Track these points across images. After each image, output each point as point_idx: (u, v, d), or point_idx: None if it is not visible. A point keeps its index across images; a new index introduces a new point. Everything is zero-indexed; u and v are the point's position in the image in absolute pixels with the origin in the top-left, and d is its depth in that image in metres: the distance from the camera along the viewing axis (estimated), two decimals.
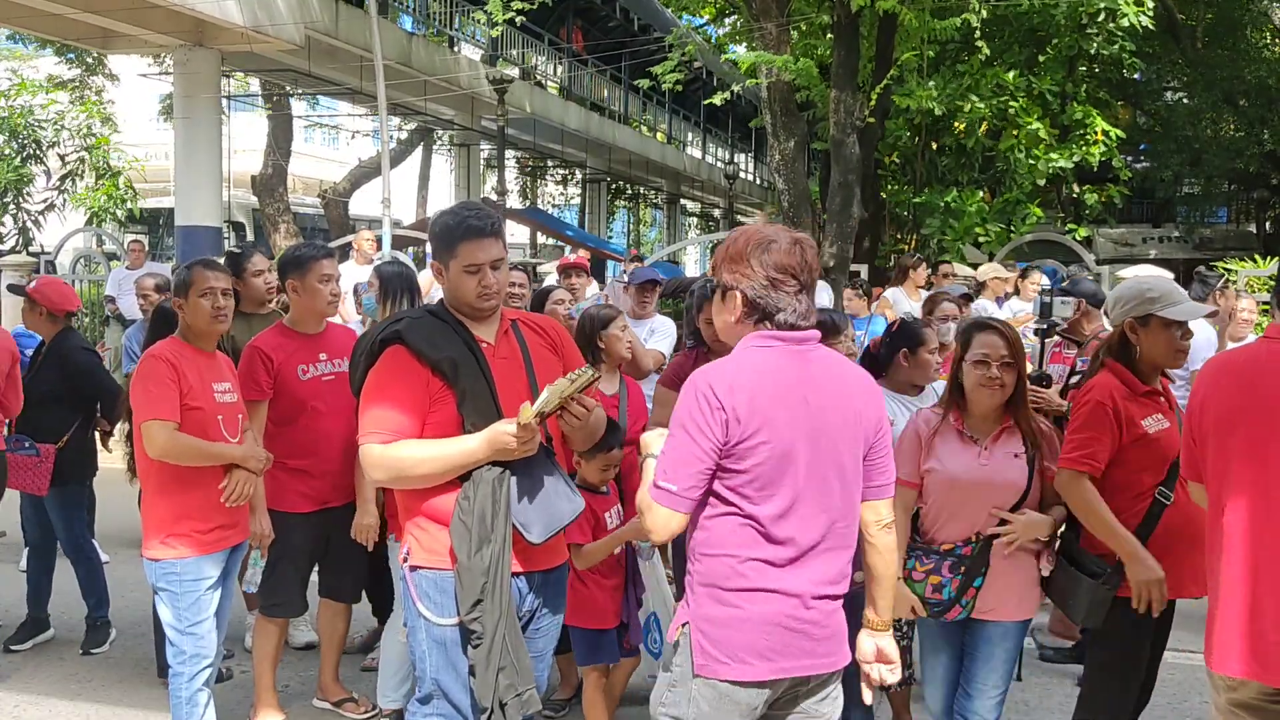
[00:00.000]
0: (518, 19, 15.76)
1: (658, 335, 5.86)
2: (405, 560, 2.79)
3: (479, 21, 18.94)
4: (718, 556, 2.28)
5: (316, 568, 4.19)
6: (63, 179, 18.65)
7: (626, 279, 6.50)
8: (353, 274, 8.48)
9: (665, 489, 2.25)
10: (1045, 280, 8.13)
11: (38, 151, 18.22)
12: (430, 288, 9.38)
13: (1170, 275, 6.19)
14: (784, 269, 2.32)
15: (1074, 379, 4.58)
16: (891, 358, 3.82)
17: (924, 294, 8.04)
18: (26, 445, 4.75)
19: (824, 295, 8.85)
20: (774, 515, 2.25)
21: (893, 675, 2.51)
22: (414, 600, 2.75)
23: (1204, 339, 5.36)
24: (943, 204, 14.11)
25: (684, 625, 2.32)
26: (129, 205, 17.96)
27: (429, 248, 12.15)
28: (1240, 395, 2.45)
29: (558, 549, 2.92)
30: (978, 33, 11.57)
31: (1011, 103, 13.21)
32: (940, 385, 3.87)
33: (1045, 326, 4.90)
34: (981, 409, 3.24)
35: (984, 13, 11.44)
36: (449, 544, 2.68)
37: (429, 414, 2.72)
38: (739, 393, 2.24)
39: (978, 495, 3.21)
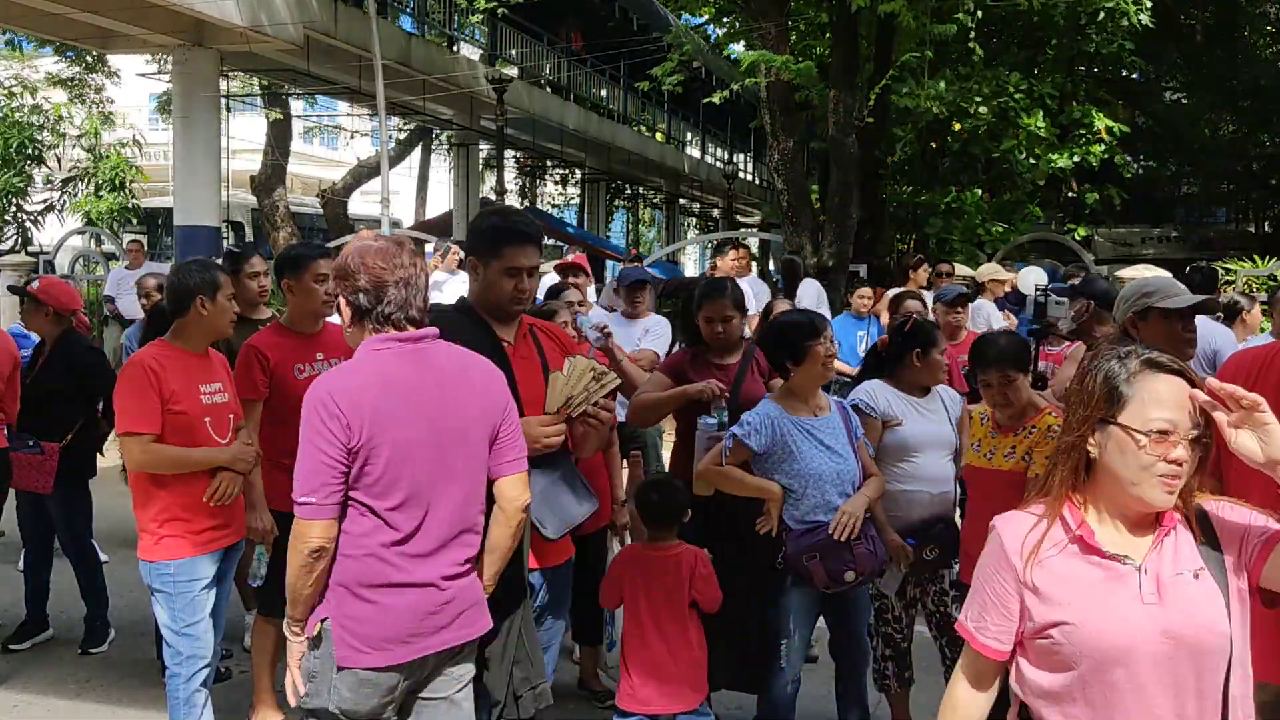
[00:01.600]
0: (501, 10, 15.69)
1: (652, 335, 5.87)
2: None
3: (477, 21, 18.94)
4: (354, 556, 2.37)
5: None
6: (65, 182, 18.69)
7: (617, 280, 6.52)
8: None
9: (306, 503, 2.35)
10: (1044, 278, 8.13)
11: (39, 153, 18.25)
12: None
13: (1169, 275, 6.22)
14: (384, 270, 2.40)
15: None
16: (902, 357, 3.82)
17: (927, 295, 8.05)
18: (30, 444, 4.74)
19: (813, 291, 8.87)
20: (403, 513, 2.36)
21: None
22: None
23: (1225, 340, 5.35)
24: (943, 205, 14.12)
25: (323, 621, 2.40)
26: (131, 216, 18.04)
27: (429, 248, 12.23)
28: (1259, 389, 2.45)
29: (566, 545, 2.97)
30: (973, 33, 11.58)
31: (1011, 103, 13.21)
32: (943, 389, 3.88)
33: (1039, 326, 4.89)
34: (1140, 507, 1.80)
35: (979, 13, 11.45)
36: None
37: None
38: (356, 398, 2.33)
39: (1168, 669, 1.74)
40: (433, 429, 2.40)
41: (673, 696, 3.47)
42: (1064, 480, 1.84)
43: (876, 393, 3.82)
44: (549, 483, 2.81)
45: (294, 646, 2.47)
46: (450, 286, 9.04)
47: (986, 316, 7.84)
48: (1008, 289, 8.45)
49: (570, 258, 7.64)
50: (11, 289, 5.37)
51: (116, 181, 18.07)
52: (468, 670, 2.55)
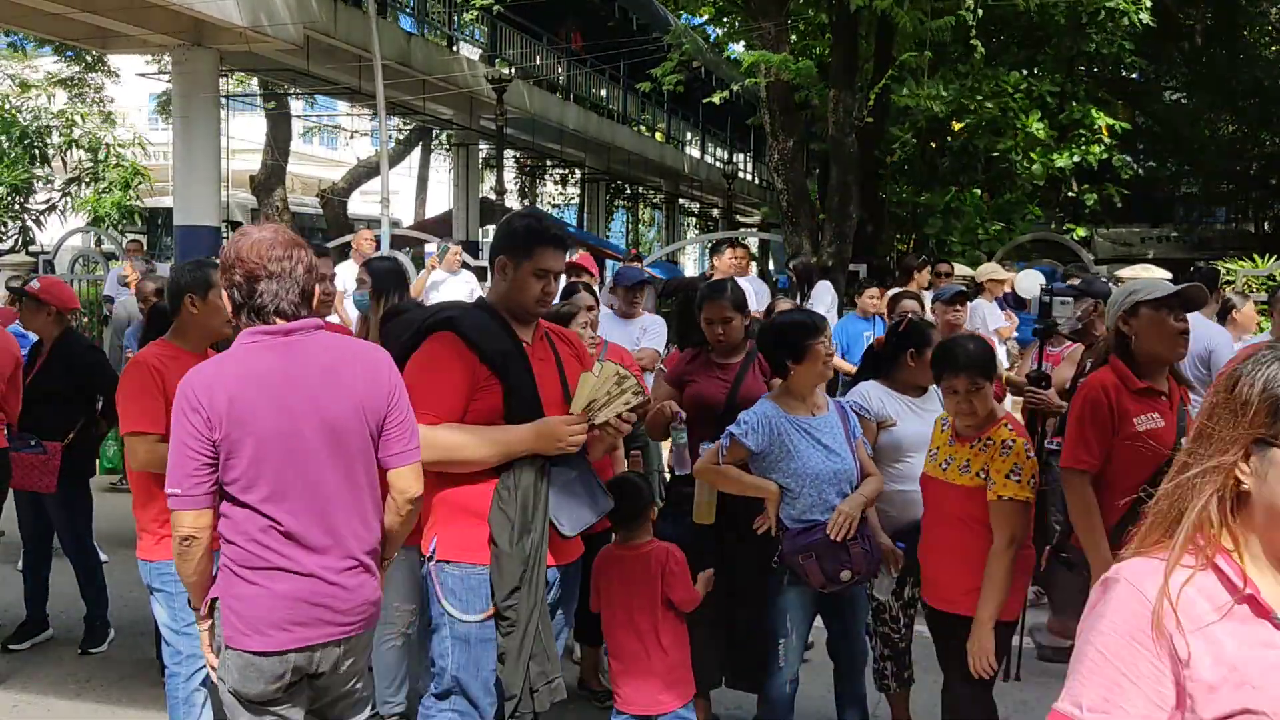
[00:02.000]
0: (495, 8, 15.69)
1: (649, 334, 5.88)
2: (430, 555, 2.80)
3: (473, 18, 18.94)
4: (236, 542, 2.43)
5: None
6: (68, 182, 18.70)
7: (615, 280, 6.53)
8: (352, 273, 8.49)
9: (174, 494, 2.39)
10: (1039, 281, 8.13)
11: (44, 154, 18.26)
12: (424, 286, 9.43)
13: (1169, 275, 6.22)
14: (256, 263, 2.40)
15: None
16: (897, 357, 3.81)
17: (926, 295, 8.05)
18: (33, 443, 4.74)
19: (826, 295, 8.87)
20: (275, 505, 2.38)
21: None
22: (438, 597, 2.77)
23: (1222, 340, 5.35)
24: (943, 205, 14.12)
25: (214, 600, 2.49)
26: (134, 210, 18.05)
27: (429, 248, 12.17)
28: None
29: (577, 543, 3.02)
30: (973, 32, 11.58)
31: (1011, 103, 13.22)
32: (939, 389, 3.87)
33: (1044, 326, 4.88)
34: None
35: (980, 12, 11.44)
36: (480, 538, 2.73)
37: (472, 403, 2.77)
38: (218, 391, 2.35)
39: None
40: (299, 421, 2.40)
41: (650, 696, 3.44)
42: (1209, 520, 1.38)
43: (870, 393, 3.82)
44: (567, 481, 2.85)
45: (201, 629, 2.56)
46: (448, 287, 9.04)
47: (983, 316, 7.83)
48: (1007, 289, 8.45)
49: (575, 257, 7.64)
50: (10, 289, 5.35)
51: (126, 183, 18.09)
52: (360, 666, 2.61)
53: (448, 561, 2.78)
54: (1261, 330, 6.13)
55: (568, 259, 8.58)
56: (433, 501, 2.82)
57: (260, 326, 2.44)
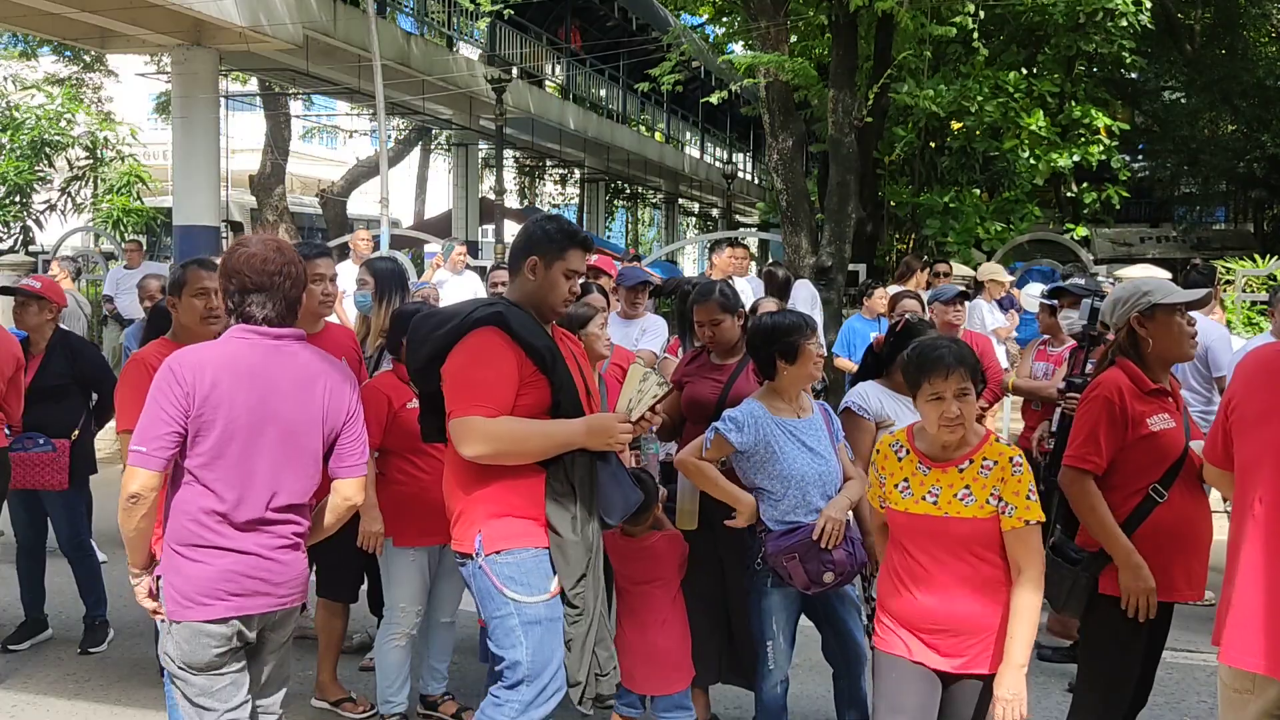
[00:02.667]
0: (505, 12, 15.71)
1: (649, 334, 5.88)
2: (477, 552, 2.84)
3: (476, 21, 18.96)
4: (182, 519, 2.66)
5: (315, 566, 4.18)
6: (69, 181, 18.68)
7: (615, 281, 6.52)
8: (351, 273, 8.49)
9: (137, 450, 2.60)
10: (1039, 289, 8.13)
11: (47, 154, 18.25)
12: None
13: (1168, 275, 6.22)
14: (249, 275, 2.69)
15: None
16: (894, 357, 3.81)
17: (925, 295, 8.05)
18: (41, 441, 4.73)
19: (806, 294, 8.88)
20: (226, 484, 2.63)
21: None
22: (498, 587, 2.81)
23: (1218, 334, 5.36)
24: (942, 204, 14.11)
25: (158, 578, 2.73)
26: (143, 219, 18.06)
27: (429, 248, 12.14)
28: (1275, 390, 2.47)
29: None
30: (975, 32, 11.59)
31: (1011, 103, 13.21)
32: None
33: (1094, 333, 4.69)
34: None
35: (981, 14, 11.45)
36: (525, 527, 2.82)
37: (519, 397, 2.84)
38: (202, 373, 2.62)
39: None
40: (268, 417, 2.66)
41: (643, 678, 3.56)
42: None
43: (869, 394, 3.82)
44: (608, 475, 2.94)
45: (137, 590, 2.81)
46: (453, 286, 9.02)
47: (981, 316, 7.84)
48: (1005, 289, 8.45)
49: (593, 260, 7.62)
50: (5, 290, 5.33)
51: (131, 182, 18.07)
52: (286, 640, 2.87)
53: (498, 552, 2.82)
54: (1261, 330, 6.13)
55: (590, 260, 8.60)
56: (468, 502, 2.88)
57: (251, 327, 2.72)
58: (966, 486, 2.85)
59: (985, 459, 2.87)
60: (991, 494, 2.83)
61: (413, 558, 3.92)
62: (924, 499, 2.88)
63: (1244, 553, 2.42)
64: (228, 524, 2.64)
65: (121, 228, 17.42)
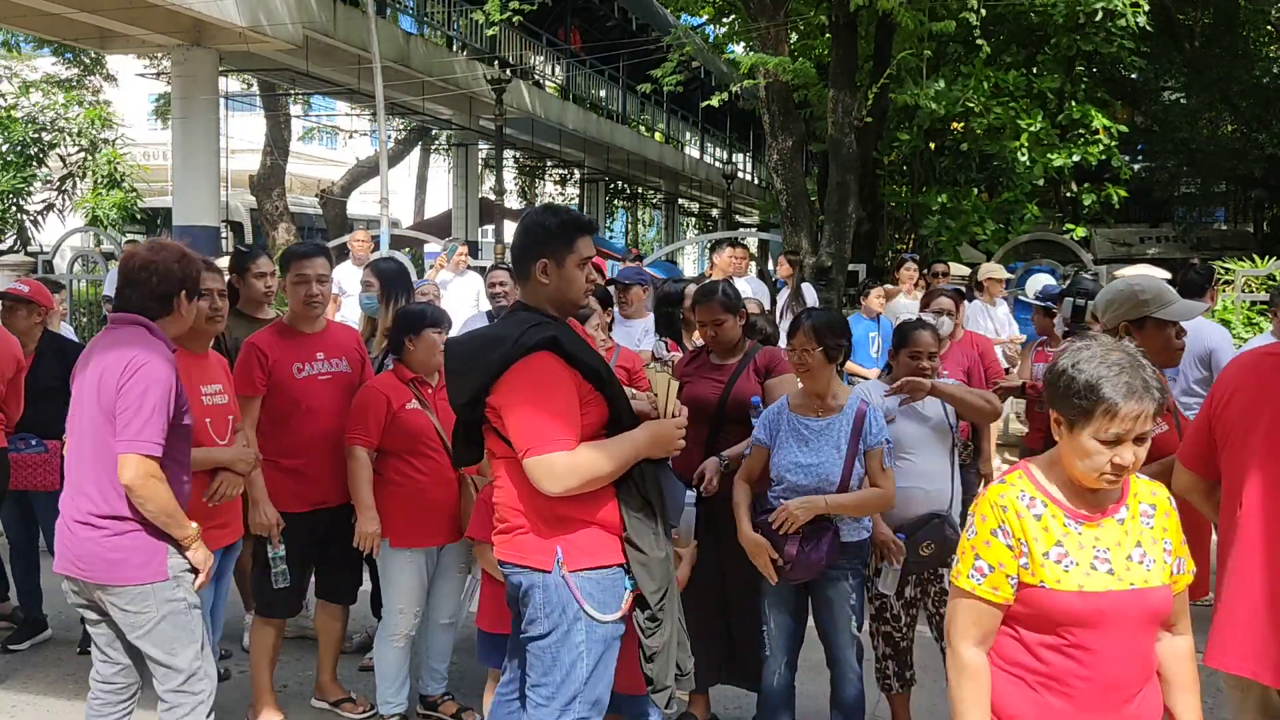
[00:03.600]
0: (515, 19, 15.74)
1: (651, 335, 5.89)
2: (559, 565, 2.75)
3: (477, 21, 18.96)
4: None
5: (314, 568, 4.18)
6: (63, 180, 18.66)
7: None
8: (350, 275, 8.48)
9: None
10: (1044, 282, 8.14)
11: (40, 154, 18.23)
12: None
13: (1167, 275, 6.22)
14: (124, 270, 3.10)
15: None
16: (896, 355, 3.86)
17: (905, 299, 8.08)
18: (34, 443, 4.73)
19: (807, 296, 8.91)
20: (69, 463, 3.11)
21: None
22: (579, 603, 2.74)
23: (1219, 336, 5.36)
24: (938, 204, 14.11)
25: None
26: (133, 211, 18.00)
27: (429, 248, 12.11)
28: (1263, 394, 2.46)
29: None
30: (977, 31, 11.58)
31: (1012, 104, 13.21)
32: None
33: (1080, 329, 4.79)
34: None
35: (983, 11, 11.44)
36: (602, 540, 2.77)
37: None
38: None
39: None
40: (79, 394, 3.07)
41: (636, 678, 3.48)
42: None
43: (871, 391, 3.84)
44: (667, 479, 2.91)
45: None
46: (455, 287, 9.03)
47: (989, 317, 7.85)
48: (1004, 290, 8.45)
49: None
50: None
51: (116, 176, 18.02)
52: (128, 618, 3.04)
53: (584, 569, 2.75)
54: (1262, 330, 6.13)
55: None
56: (540, 515, 2.77)
57: (114, 316, 3.12)
58: (1138, 544, 2.14)
59: (1141, 502, 2.19)
60: (1164, 548, 2.15)
61: (410, 559, 3.92)
62: (1094, 568, 2.10)
63: (1231, 558, 2.42)
64: (66, 490, 3.09)
65: (103, 223, 17.37)
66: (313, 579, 4.23)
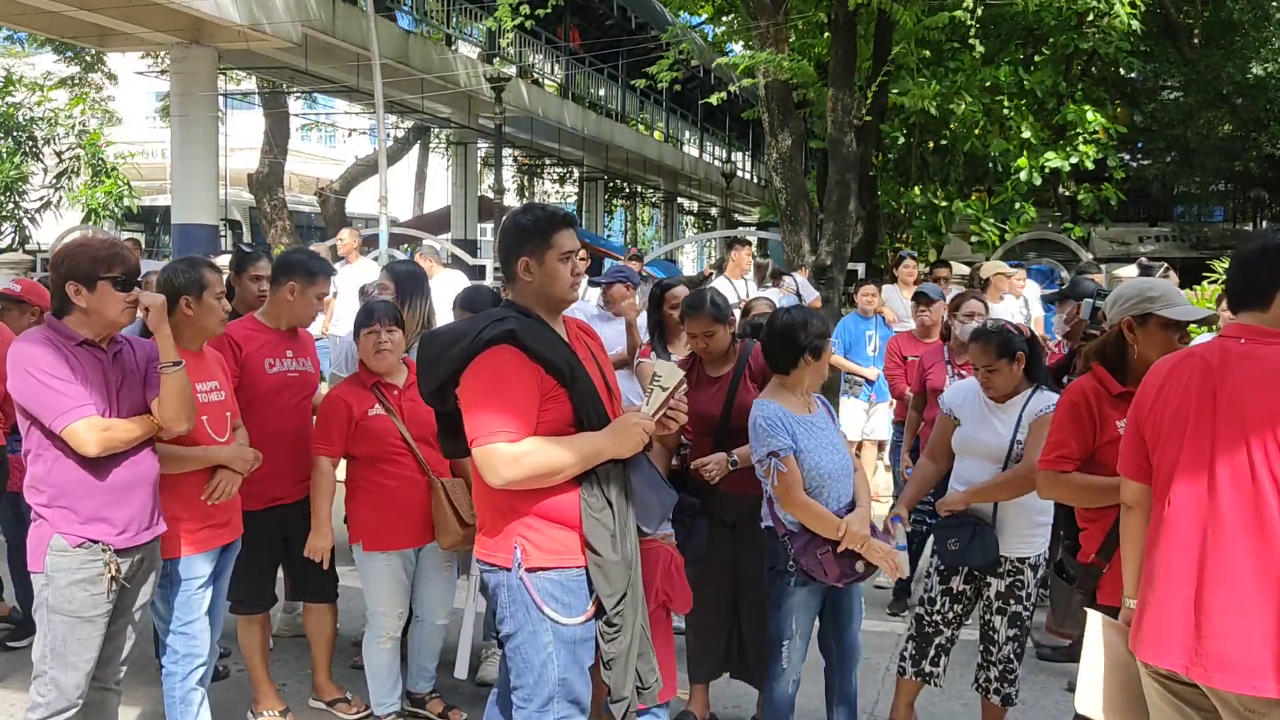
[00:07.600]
0: (530, 23, 15.75)
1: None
2: (518, 565, 2.72)
3: (478, 21, 18.96)
4: None
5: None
6: (58, 176, 18.63)
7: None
8: (348, 275, 8.47)
9: None
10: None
11: (34, 149, 18.19)
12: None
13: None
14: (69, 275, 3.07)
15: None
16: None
17: (899, 296, 8.08)
18: None
19: (808, 291, 8.93)
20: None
21: None
22: (537, 604, 2.70)
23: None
24: (926, 202, 14.11)
25: None
26: (127, 202, 17.93)
27: (427, 247, 12.09)
28: (1194, 393, 2.45)
29: None
30: (973, 30, 11.59)
31: (1005, 104, 13.20)
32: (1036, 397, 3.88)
33: (1096, 331, 4.75)
34: None
35: (979, 10, 11.44)
36: (565, 541, 2.71)
37: (540, 414, 2.71)
38: None
39: None
40: None
41: None
42: None
43: (961, 388, 3.99)
44: (642, 482, 2.84)
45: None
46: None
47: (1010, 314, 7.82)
48: (1010, 287, 8.40)
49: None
50: None
51: (105, 165, 17.94)
52: None
53: (543, 569, 2.71)
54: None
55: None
56: (502, 511, 2.75)
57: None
58: None
59: None
60: None
61: (386, 562, 3.89)
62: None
63: (1160, 556, 2.44)
64: None
65: (98, 217, 17.33)
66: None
